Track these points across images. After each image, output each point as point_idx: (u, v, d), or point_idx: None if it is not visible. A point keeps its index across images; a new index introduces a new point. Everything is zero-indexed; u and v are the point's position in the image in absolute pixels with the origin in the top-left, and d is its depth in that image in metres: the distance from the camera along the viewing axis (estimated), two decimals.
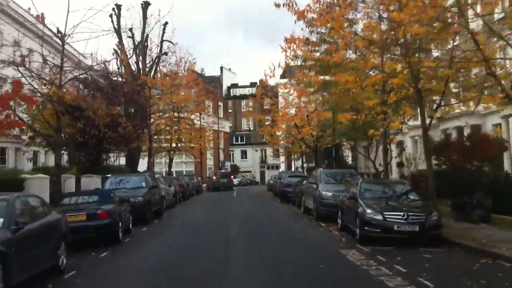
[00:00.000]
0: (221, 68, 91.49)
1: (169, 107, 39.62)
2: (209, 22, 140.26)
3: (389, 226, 11.64)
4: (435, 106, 15.32)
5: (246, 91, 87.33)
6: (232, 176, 53.48)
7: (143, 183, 19.27)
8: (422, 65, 13.72)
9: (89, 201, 13.79)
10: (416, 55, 14.67)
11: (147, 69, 35.94)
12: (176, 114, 39.52)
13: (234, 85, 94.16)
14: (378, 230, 11.71)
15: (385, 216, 11.80)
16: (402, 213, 11.77)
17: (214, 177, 47.54)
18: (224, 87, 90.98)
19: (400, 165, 36.25)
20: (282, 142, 46.22)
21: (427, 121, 14.61)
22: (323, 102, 20.00)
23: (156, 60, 37.02)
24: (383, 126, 16.26)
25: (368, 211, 12.08)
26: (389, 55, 15.52)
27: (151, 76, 35.20)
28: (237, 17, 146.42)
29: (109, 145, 22.55)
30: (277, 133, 44.66)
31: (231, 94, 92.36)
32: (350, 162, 45.08)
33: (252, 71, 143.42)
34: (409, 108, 15.40)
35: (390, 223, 11.67)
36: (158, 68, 37.69)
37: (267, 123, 49.54)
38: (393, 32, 14.08)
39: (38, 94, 17.80)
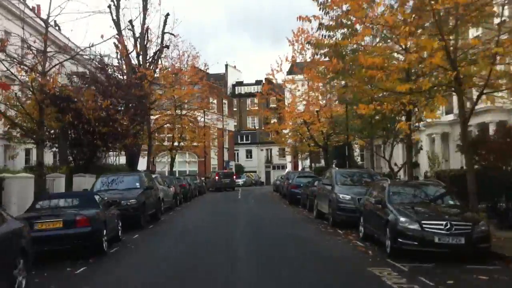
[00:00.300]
0: (226, 65, 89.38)
1: (171, 103, 37.64)
2: (212, 23, 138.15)
3: (429, 238, 9.49)
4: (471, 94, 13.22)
5: (252, 89, 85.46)
6: (234, 176, 52.04)
7: (137, 184, 17.20)
8: (461, 47, 11.59)
9: (68, 205, 11.74)
10: (452, 37, 12.59)
11: (147, 63, 33.88)
12: (178, 111, 37.53)
13: (239, 83, 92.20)
14: (415, 243, 9.58)
15: (423, 225, 9.66)
16: (443, 222, 9.63)
17: (217, 177, 46.01)
18: (229, 85, 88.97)
19: (415, 165, 34.09)
20: (289, 140, 44.06)
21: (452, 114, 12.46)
22: (340, 92, 17.76)
23: (157, 54, 34.99)
24: (415, 119, 14.18)
25: (402, 219, 9.95)
26: (414, 38, 13.46)
27: (152, 69, 33.16)
28: (238, 17, 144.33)
29: (101, 141, 20.43)
30: (284, 131, 42.53)
31: (236, 92, 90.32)
32: (359, 162, 42.97)
33: (255, 72, 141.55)
34: (441, 97, 13.24)
35: (430, 234, 9.53)
36: (159, 62, 35.60)
37: (273, 120, 47.38)
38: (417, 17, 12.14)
39: (17, 81, 15.73)
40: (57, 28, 33.82)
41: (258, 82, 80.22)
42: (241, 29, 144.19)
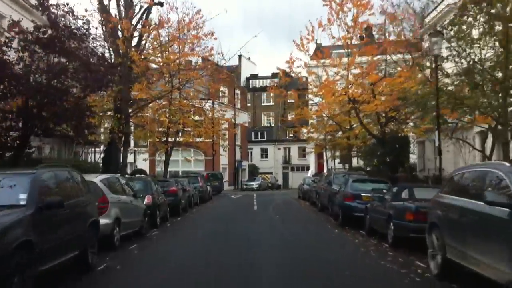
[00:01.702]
0: (240, 56, 79.46)
1: (165, 82, 27.78)
2: (226, 22, 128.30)
3: None
4: None
5: (267, 82, 75.67)
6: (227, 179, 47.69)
7: (22, 197, 7.25)
8: None
9: None
10: None
11: (132, 26, 23.80)
12: (173, 95, 27.49)
13: (254, 76, 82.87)
14: None
15: None
16: None
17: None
18: (243, 78, 79.61)
19: None
20: (319, 134, 33.78)
21: None
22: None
23: (145, 12, 24.85)
24: None
25: None
26: None
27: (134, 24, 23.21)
28: (253, 17, 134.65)
29: None
30: (314, 119, 32.26)
31: (250, 86, 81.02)
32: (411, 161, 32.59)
33: (271, 68, 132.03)
34: None
35: None
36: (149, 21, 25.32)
37: (291, 117, 36.80)
38: None
39: None
40: None
41: (274, 75, 70.59)
42: (257, 29, 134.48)
